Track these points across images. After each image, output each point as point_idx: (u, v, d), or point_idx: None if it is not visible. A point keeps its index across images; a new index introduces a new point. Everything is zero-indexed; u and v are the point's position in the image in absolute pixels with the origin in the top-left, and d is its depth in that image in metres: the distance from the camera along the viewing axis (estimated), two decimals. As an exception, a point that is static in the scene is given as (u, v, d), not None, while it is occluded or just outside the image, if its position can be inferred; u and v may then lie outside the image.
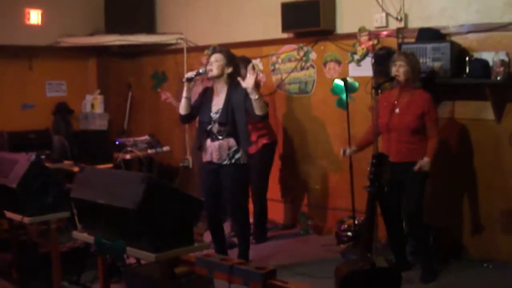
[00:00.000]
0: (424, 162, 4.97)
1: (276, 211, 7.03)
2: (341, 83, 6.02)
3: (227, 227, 6.53)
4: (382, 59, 5.83)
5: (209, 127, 5.19)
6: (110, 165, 6.95)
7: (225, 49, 5.36)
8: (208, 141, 5.22)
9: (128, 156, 7.40)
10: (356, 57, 6.27)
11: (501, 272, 5.28)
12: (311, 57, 6.70)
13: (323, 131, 6.65)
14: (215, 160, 5.20)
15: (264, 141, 6.29)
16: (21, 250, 5.38)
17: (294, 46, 6.84)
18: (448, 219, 5.75)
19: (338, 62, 6.47)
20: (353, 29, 6.24)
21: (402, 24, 5.88)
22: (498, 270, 5.32)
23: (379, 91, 5.44)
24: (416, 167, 4.97)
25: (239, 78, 5.07)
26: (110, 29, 8.21)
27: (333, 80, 6.44)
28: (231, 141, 5.13)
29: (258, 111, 4.96)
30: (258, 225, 6.45)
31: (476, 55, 5.39)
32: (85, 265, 5.22)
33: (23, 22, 7.96)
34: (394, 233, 5.32)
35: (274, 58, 7.03)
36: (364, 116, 6.14)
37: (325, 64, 6.59)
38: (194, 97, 6.42)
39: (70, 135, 8.01)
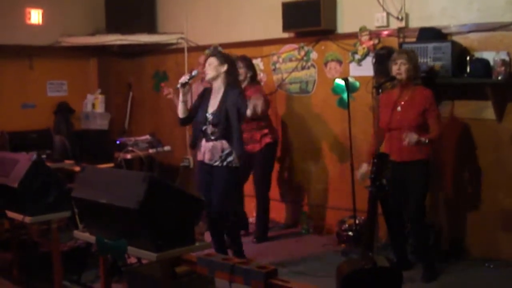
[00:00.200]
0: (412, 134, 4.86)
1: (277, 211, 7.03)
2: (342, 82, 6.02)
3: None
4: (383, 58, 5.82)
5: (204, 127, 5.20)
6: (111, 165, 6.95)
7: (218, 52, 5.41)
8: (203, 141, 5.24)
9: (129, 156, 7.40)
10: (357, 56, 6.27)
11: (502, 271, 5.27)
12: (312, 56, 6.70)
13: (324, 131, 6.65)
14: (206, 160, 5.22)
15: (267, 140, 6.29)
16: (22, 250, 5.39)
17: (295, 45, 6.84)
18: (449, 219, 5.75)
19: (339, 62, 6.47)
20: (354, 28, 6.23)
21: (403, 24, 5.88)
22: (500, 269, 5.31)
23: (380, 90, 5.44)
24: (404, 136, 4.90)
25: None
26: (111, 29, 8.22)
27: (334, 80, 6.44)
28: (225, 143, 5.13)
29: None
30: (259, 224, 6.45)
31: (477, 54, 5.39)
32: (86, 265, 5.22)
33: (24, 21, 7.96)
34: (396, 233, 5.32)
35: (275, 58, 7.03)
36: (364, 116, 6.15)
37: (326, 63, 6.59)
38: (195, 96, 6.44)
39: (71, 135, 8.01)
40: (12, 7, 7.81)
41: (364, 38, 6.16)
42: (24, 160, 4.67)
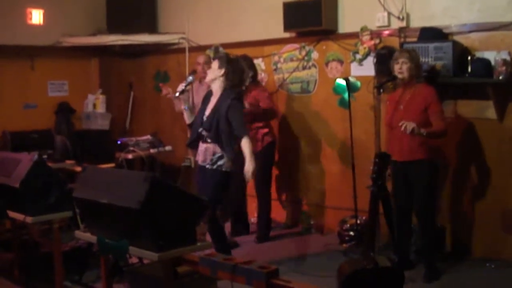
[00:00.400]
0: (410, 122, 4.82)
1: (278, 211, 7.04)
2: (343, 82, 6.02)
3: (227, 227, 6.55)
4: (384, 58, 5.82)
5: (200, 129, 5.24)
6: (112, 165, 6.94)
7: (221, 55, 5.39)
8: (200, 142, 5.28)
9: (130, 156, 7.40)
10: (358, 56, 6.27)
11: (504, 271, 5.27)
12: (313, 56, 6.70)
13: (325, 131, 6.65)
14: (199, 161, 5.28)
15: (268, 139, 6.30)
16: (23, 250, 5.40)
17: (296, 45, 6.84)
18: (451, 218, 5.75)
19: (340, 62, 6.47)
20: (355, 28, 6.23)
21: (404, 24, 5.88)
22: (501, 269, 5.31)
23: (381, 90, 5.44)
24: (401, 123, 4.87)
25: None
26: (112, 29, 8.22)
27: (335, 80, 6.44)
28: (217, 147, 5.14)
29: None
30: (261, 224, 6.45)
31: (478, 54, 5.39)
32: (88, 265, 5.23)
33: (25, 22, 7.97)
34: (400, 232, 5.31)
35: (276, 58, 7.03)
36: (365, 116, 6.15)
37: (327, 63, 6.59)
38: (196, 96, 6.45)
39: (72, 135, 8.02)
40: (13, 7, 7.81)
41: (365, 38, 6.16)
42: (26, 160, 4.67)
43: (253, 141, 6.19)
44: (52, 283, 4.78)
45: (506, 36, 5.27)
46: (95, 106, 8.65)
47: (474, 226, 5.63)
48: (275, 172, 7.01)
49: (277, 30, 6.76)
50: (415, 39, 5.67)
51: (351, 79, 6.13)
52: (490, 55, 5.26)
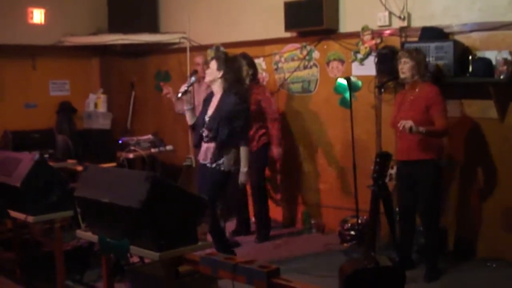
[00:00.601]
0: (408, 121, 4.83)
1: (279, 211, 7.05)
2: (344, 82, 6.02)
3: (229, 226, 6.56)
4: (385, 58, 5.83)
5: (202, 129, 5.29)
6: (113, 164, 6.95)
7: (220, 55, 5.39)
8: (202, 141, 5.32)
9: (131, 155, 7.41)
10: (359, 56, 6.27)
11: (505, 271, 5.27)
12: (314, 56, 6.70)
13: (326, 130, 6.65)
14: (201, 160, 5.34)
15: (264, 140, 6.30)
16: (24, 249, 5.40)
17: (297, 45, 6.84)
18: (453, 218, 5.74)
19: (341, 61, 6.47)
20: (356, 28, 6.24)
21: (405, 23, 5.88)
22: (502, 269, 5.31)
23: (382, 90, 5.44)
24: (400, 123, 4.89)
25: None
26: (113, 29, 8.22)
27: (336, 79, 6.44)
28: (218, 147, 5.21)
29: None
30: (259, 224, 6.46)
31: (479, 54, 5.39)
32: (89, 264, 5.23)
33: (26, 21, 7.97)
34: (403, 232, 5.31)
35: (277, 57, 7.03)
36: (367, 115, 6.15)
37: (328, 63, 6.59)
38: (196, 96, 6.46)
39: (73, 134, 8.03)
40: (14, 6, 7.82)
41: (366, 37, 6.16)
42: (27, 159, 4.68)
43: (250, 140, 6.21)
44: (54, 283, 4.78)
45: (507, 35, 5.27)
46: (96, 105, 8.66)
47: (478, 226, 5.62)
48: (275, 171, 7.02)
49: (278, 29, 6.76)
50: (416, 39, 5.67)
51: (352, 78, 6.12)
52: (491, 55, 5.26)
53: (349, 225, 5.98)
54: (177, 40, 8.14)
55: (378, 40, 6.09)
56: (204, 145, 5.29)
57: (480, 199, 5.59)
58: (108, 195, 3.56)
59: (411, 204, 5.20)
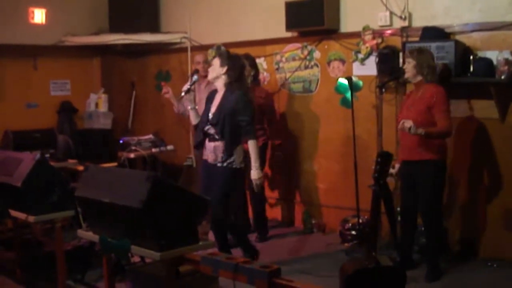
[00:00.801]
0: (408, 121, 4.83)
1: (280, 210, 7.05)
2: (345, 82, 6.02)
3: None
4: (386, 58, 5.83)
5: (207, 127, 5.23)
6: (114, 164, 6.96)
7: (222, 52, 5.37)
8: (207, 140, 5.27)
9: (132, 155, 7.41)
10: (360, 56, 6.26)
11: (506, 271, 5.27)
12: (315, 56, 6.70)
13: (327, 130, 6.65)
14: (209, 160, 5.25)
15: (262, 140, 6.30)
16: (25, 249, 5.40)
17: (298, 45, 6.84)
18: (454, 218, 5.74)
19: (342, 61, 6.47)
20: (357, 28, 6.23)
21: (406, 23, 5.87)
22: (504, 269, 5.31)
23: (383, 89, 5.44)
24: (400, 123, 4.89)
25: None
26: (114, 28, 8.22)
27: (337, 79, 6.44)
28: (226, 144, 5.16)
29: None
30: (258, 224, 6.46)
31: (480, 54, 5.39)
32: (90, 264, 5.23)
33: (27, 21, 7.98)
34: (404, 231, 5.31)
35: (278, 57, 7.03)
36: (368, 115, 6.15)
37: (329, 63, 6.59)
38: (198, 94, 6.45)
39: (74, 134, 8.03)
40: (15, 6, 7.83)
41: (367, 37, 6.16)
42: (28, 159, 4.68)
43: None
44: (55, 282, 4.79)
45: (508, 36, 5.27)
46: (97, 105, 8.66)
47: (477, 226, 5.62)
48: (276, 171, 7.01)
49: (279, 29, 6.76)
50: (417, 39, 5.67)
51: (353, 78, 6.11)
52: (492, 55, 5.26)
53: (350, 224, 5.97)
54: (178, 40, 8.14)
55: (379, 40, 6.09)
56: (211, 144, 5.19)
57: (482, 199, 5.59)
58: (109, 195, 3.56)
59: (412, 204, 5.20)
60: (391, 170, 4.88)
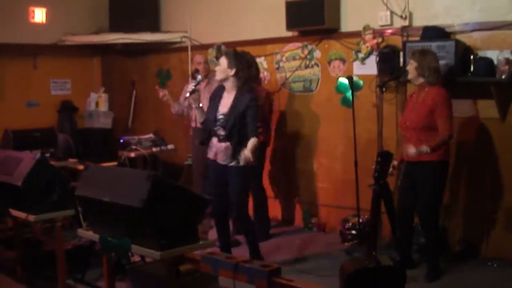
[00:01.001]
0: (410, 148, 4.88)
1: (280, 209, 7.05)
2: (346, 81, 6.02)
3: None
4: (387, 57, 5.83)
5: (215, 128, 5.20)
6: (114, 163, 6.96)
7: (230, 52, 5.33)
8: (214, 140, 5.24)
9: (132, 154, 7.41)
10: (361, 55, 6.26)
11: (506, 271, 5.27)
12: (315, 55, 6.70)
13: (327, 129, 6.65)
14: (220, 161, 5.22)
15: (262, 138, 6.29)
16: (26, 248, 5.40)
17: (298, 44, 6.84)
18: (454, 218, 5.74)
19: (343, 61, 6.47)
20: (358, 27, 6.23)
21: (406, 23, 5.87)
22: (503, 269, 5.30)
23: (384, 89, 5.44)
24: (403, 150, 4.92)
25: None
26: (114, 28, 8.22)
27: (338, 79, 6.44)
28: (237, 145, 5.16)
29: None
30: (259, 224, 6.45)
31: (481, 53, 5.38)
32: (90, 263, 5.22)
33: (28, 20, 7.98)
34: (403, 231, 5.31)
35: (278, 57, 7.02)
36: (368, 115, 6.14)
37: (329, 62, 6.59)
38: (201, 95, 6.45)
39: (74, 133, 8.04)
40: (15, 6, 7.83)
41: (368, 36, 6.15)
42: (28, 158, 4.68)
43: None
44: (55, 282, 4.79)
45: (508, 35, 5.26)
46: (97, 104, 8.67)
47: (478, 226, 5.62)
48: (276, 171, 7.01)
49: (279, 28, 6.76)
50: (417, 38, 5.66)
51: (354, 78, 6.10)
52: (493, 54, 5.25)
53: (350, 224, 5.97)
54: (178, 39, 8.14)
55: (380, 40, 6.09)
56: (221, 145, 5.17)
57: (482, 199, 5.58)
58: (109, 194, 3.56)
59: (411, 204, 5.20)
60: (391, 170, 4.88)
